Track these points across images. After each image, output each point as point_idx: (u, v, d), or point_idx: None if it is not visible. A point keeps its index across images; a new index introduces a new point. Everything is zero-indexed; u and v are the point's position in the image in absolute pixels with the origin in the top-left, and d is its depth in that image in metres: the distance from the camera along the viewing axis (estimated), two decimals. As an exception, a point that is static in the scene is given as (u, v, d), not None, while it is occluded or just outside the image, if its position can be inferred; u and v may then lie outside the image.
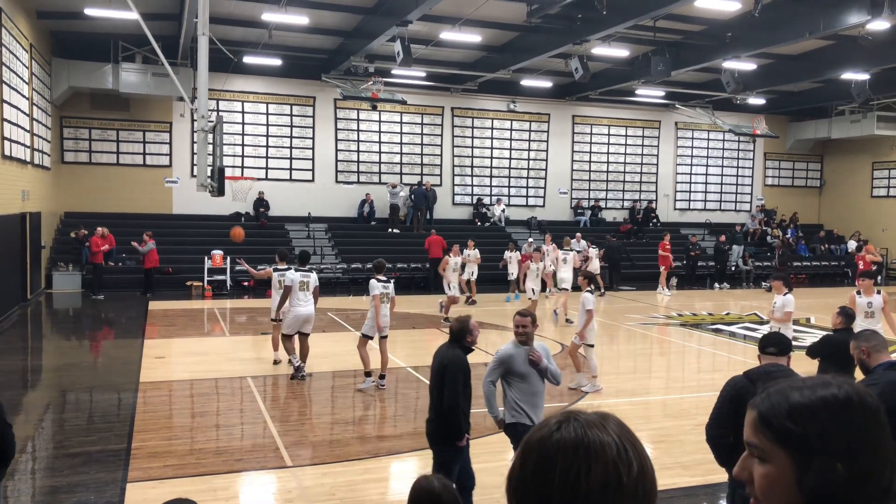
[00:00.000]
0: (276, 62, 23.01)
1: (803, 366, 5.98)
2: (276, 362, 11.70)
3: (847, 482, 1.19)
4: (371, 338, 10.25)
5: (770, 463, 1.23)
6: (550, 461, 1.13)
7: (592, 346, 10.39)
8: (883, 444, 1.23)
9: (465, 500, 5.58)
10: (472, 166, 27.37)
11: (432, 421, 5.71)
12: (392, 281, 10.58)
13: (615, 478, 1.10)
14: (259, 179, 23.88)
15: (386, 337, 10.38)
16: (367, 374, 10.31)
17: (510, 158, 27.81)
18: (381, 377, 10.35)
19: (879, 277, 27.57)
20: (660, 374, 12.27)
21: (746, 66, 22.07)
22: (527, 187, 28.11)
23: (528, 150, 28.05)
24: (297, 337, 10.84)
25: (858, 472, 1.19)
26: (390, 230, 24.90)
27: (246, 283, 21.36)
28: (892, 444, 1.24)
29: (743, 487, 4.52)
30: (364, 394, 10.27)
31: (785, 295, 9.88)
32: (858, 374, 4.86)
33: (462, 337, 5.75)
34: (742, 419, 4.69)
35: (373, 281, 10.27)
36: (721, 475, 7.08)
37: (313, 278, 10.85)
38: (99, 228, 20.32)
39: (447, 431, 5.57)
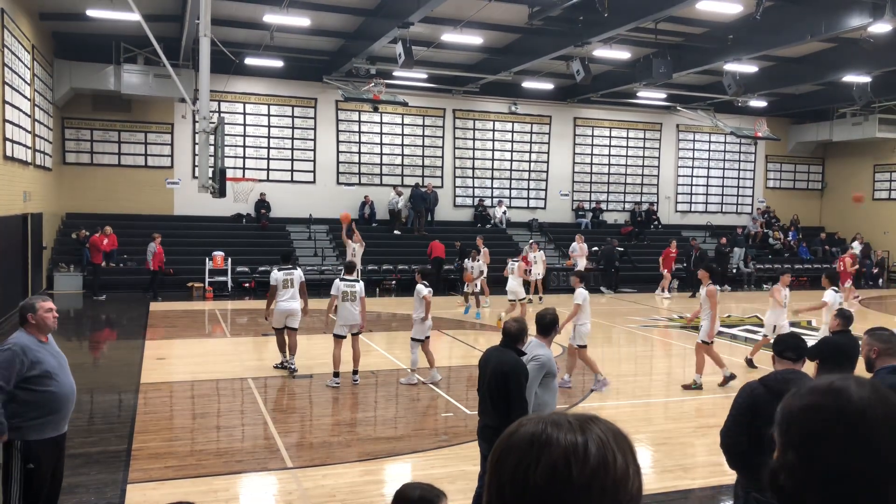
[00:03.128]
0: (278, 64, 23.03)
1: (807, 369, 5.98)
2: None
3: (798, 469, 1.28)
4: (343, 337, 10.60)
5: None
6: (506, 455, 1.15)
7: (420, 340, 10.70)
8: (857, 451, 1.25)
9: None
10: (473, 168, 27.38)
11: (496, 429, 5.35)
12: (361, 282, 10.92)
13: (564, 472, 1.08)
14: (260, 181, 23.90)
15: (358, 334, 10.75)
16: (336, 374, 10.56)
17: (511, 160, 27.81)
18: (354, 373, 10.70)
19: (881, 280, 27.54)
20: (661, 377, 12.24)
21: (748, 68, 22.07)
22: (528, 189, 28.11)
23: (530, 152, 28.06)
24: (285, 332, 11.29)
25: (814, 468, 1.27)
26: (395, 231, 24.93)
27: (247, 285, 21.37)
28: (876, 456, 1.25)
29: (759, 492, 4.46)
30: (364, 395, 10.28)
31: (579, 288, 10.66)
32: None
33: (518, 339, 5.63)
34: (758, 428, 4.66)
35: (336, 281, 10.71)
36: (724, 478, 7.08)
37: (296, 275, 11.25)
38: (107, 227, 20.48)
39: None
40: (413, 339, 10.86)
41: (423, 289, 10.68)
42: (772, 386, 4.21)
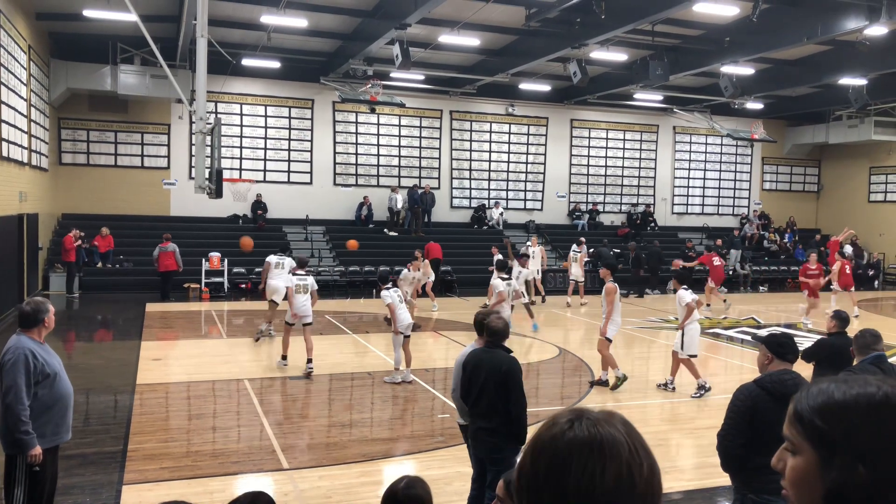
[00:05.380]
0: (275, 64, 23.02)
1: (800, 370, 5.99)
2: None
3: (871, 486, 1.14)
4: (292, 325, 11.56)
5: (799, 456, 1.22)
6: (565, 461, 1.13)
7: (406, 336, 10.83)
8: None
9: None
10: (470, 170, 27.38)
11: (493, 430, 5.42)
12: (311, 275, 11.94)
13: (628, 478, 1.10)
14: (257, 182, 23.87)
15: (309, 324, 11.48)
16: (283, 357, 11.71)
17: (508, 162, 27.83)
18: (308, 361, 11.29)
19: (877, 282, 27.60)
20: (656, 378, 12.25)
21: (744, 70, 22.11)
22: (525, 191, 28.13)
23: (527, 153, 28.08)
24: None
25: (886, 477, 1.14)
26: (386, 230, 24.90)
27: (243, 286, 21.34)
28: None
29: (755, 494, 4.49)
30: (360, 397, 10.28)
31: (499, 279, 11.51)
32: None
33: (505, 337, 5.60)
34: (757, 430, 4.69)
35: (288, 275, 12.17)
36: (719, 479, 7.08)
37: (288, 261, 13.97)
38: (103, 229, 20.59)
39: (517, 438, 5.40)
40: (401, 335, 10.88)
41: (385, 296, 10.74)
42: (770, 388, 4.21)
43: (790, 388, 4.15)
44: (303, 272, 11.73)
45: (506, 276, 12.31)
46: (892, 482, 1.14)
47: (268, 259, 14.21)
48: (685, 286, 10.71)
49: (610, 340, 10.68)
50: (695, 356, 10.52)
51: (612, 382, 10.71)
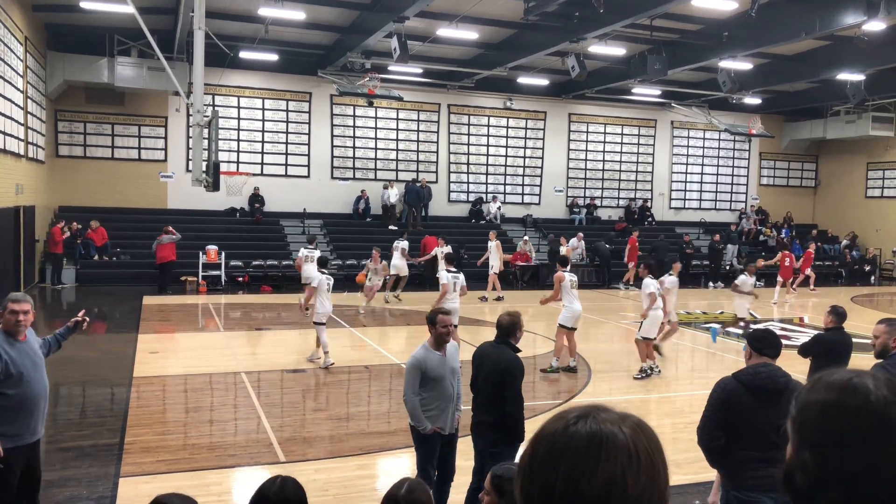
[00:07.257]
0: (273, 57, 22.94)
1: (795, 365, 6.01)
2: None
3: (813, 474, 1.20)
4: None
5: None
6: (558, 456, 1.11)
7: (321, 324, 11.48)
8: (877, 450, 1.18)
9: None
10: (468, 164, 27.36)
11: (491, 424, 5.49)
12: (318, 250, 16.14)
13: (621, 484, 1.07)
14: (254, 175, 23.82)
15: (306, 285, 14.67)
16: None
17: (506, 156, 27.80)
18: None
19: (873, 278, 27.66)
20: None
21: (743, 65, 22.09)
22: (522, 185, 28.11)
23: (525, 147, 28.05)
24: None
25: (827, 469, 1.19)
26: (391, 226, 24.87)
27: (240, 279, 21.31)
28: None
29: (737, 490, 4.50)
30: (357, 390, 10.29)
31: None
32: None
33: (512, 334, 5.64)
34: (734, 423, 4.70)
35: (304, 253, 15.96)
36: (714, 474, 7.10)
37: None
38: (93, 222, 20.55)
39: (514, 434, 5.44)
40: (314, 323, 11.54)
41: (314, 277, 11.71)
42: (745, 380, 4.24)
43: (764, 380, 4.18)
44: (312, 245, 17.00)
45: (454, 269, 12.29)
46: (832, 475, 1.20)
47: (395, 244, 19.13)
48: (652, 275, 11.31)
49: (566, 328, 11.20)
50: (650, 340, 11.06)
51: (552, 367, 11.26)
